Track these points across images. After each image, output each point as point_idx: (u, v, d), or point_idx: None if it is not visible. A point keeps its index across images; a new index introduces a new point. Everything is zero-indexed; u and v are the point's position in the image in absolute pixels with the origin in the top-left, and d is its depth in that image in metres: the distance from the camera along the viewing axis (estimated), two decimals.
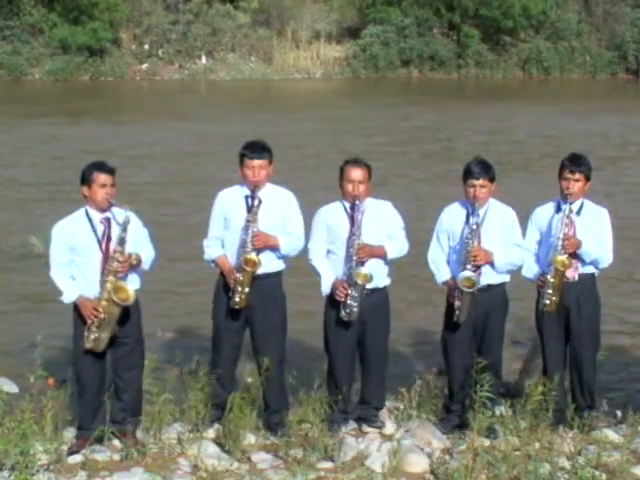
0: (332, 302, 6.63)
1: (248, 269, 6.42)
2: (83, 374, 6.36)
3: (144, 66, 38.40)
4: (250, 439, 6.48)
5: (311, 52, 40.32)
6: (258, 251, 6.45)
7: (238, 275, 6.45)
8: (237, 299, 6.47)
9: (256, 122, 24.07)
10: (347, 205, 6.62)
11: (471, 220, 6.50)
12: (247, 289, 6.44)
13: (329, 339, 6.75)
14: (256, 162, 6.48)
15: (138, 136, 22.87)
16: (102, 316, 6.16)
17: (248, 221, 6.44)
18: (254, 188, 6.47)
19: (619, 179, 17.79)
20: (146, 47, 38.86)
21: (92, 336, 6.19)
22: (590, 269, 6.74)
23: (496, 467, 6.04)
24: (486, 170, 6.57)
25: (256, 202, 6.43)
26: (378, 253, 6.60)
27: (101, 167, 6.30)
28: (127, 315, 6.28)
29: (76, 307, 6.28)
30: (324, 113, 27.96)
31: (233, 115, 26.50)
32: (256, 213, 6.42)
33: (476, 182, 6.52)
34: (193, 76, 38.26)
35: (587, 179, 6.72)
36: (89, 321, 6.18)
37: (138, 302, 6.37)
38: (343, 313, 6.55)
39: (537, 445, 6.44)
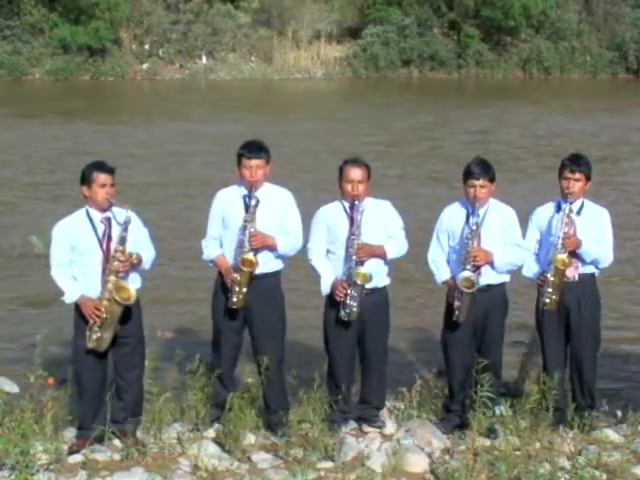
0: (332, 302, 6.62)
1: (245, 269, 6.41)
2: (83, 374, 6.35)
3: (145, 66, 38.38)
4: (250, 439, 6.47)
5: (311, 52, 40.28)
6: (256, 251, 6.45)
7: (235, 275, 6.44)
8: (235, 299, 6.46)
9: (256, 122, 24.06)
10: (346, 205, 6.61)
11: (471, 220, 6.50)
12: (245, 289, 6.43)
13: (329, 339, 6.74)
14: (253, 162, 6.48)
15: (138, 136, 22.86)
16: (104, 316, 6.16)
17: (246, 221, 6.43)
18: (251, 188, 6.47)
19: (618, 179, 17.78)
20: (146, 47, 38.85)
21: (94, 336, 6.19)
22: (590, 269, 6.73)
23: (496, 467, 6.03)
24: (486, 170, 6.58)
25: (253, 202, 6.43)
26: (377, 253, 6.59)
27: (101, 167, 6.31)
28: (129, 315, 6.28)
29: (77, 307, 6.27)
30: (324, 113, 27.94)
31: (233, 115, 26.48)
32: (254, 213, 6.42)
33: (476, 182, 6.52)
34: (194, 76, 38.22)
35: (587, 179, 6.71)
36: (91, 321, 6.18)
37: (139, 302, 6.37)
38: (343, 313, 6.54)
39: (537, 445, 6.43)
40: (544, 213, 6.83)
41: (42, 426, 6.24)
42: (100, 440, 6.35)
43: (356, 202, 6.53)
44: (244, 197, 6.51)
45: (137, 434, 6.43)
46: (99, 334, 6.19)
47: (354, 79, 38.91)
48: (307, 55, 40.16)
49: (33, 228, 12.33)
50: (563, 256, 6.51)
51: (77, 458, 6.20)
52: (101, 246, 6.21)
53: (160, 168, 18.75)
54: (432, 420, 6.83)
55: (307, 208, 6.90)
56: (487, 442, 6.48)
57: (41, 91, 33.85)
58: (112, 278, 6.14)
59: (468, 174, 6.57)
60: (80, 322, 6.26)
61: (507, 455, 6.07)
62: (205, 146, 21.33)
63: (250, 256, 6.41)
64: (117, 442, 6.37)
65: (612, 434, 6.66)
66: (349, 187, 6.57)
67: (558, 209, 6.70)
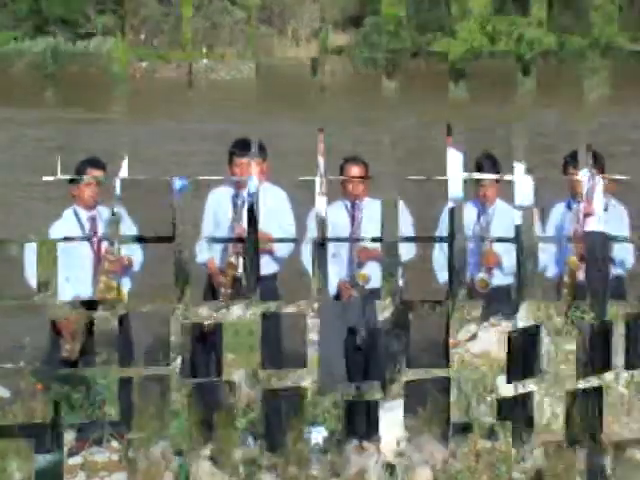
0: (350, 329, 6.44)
1: (229, 271, 6.41)
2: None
3: (144, 64, 38.40)
4: (245, 455, 6.26)
5: (311, 50, 40.34)
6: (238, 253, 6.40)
7: (222, 278, 6.46)
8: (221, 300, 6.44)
9: (255, 121, 23.95)
10: (347, 204, 6.58)
11: (482, 219, 6.46)
12: (230, 291, 6.40)
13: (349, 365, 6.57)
14: (244, 160, 6.38)
15: (135, 134, 22.76)
16: (74, 327, 6.12)
17: (234, 220, 6.40)
18: (240, 187, 6.36)
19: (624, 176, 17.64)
20: (142, 37, 38.80)
21: (67, 346, 6.20)
22: (618, 271, 6.58)
23: (497, 467, 5.93)
24: (493, 168, 6.51)
25: (239, 201, 6.36)
26: (376, 254, 6.42)
27: (93, 163, 6.44)
28: (120, 323, 6.14)
29: (52, 321, 6.25)
30: (324, 112, 27.84)
31: (232, 114, 26.45)
32: (241, 213, 6.34)
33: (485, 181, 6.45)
34: (194, 75, 38.25)
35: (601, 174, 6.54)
36: (64, 332, 6.16)
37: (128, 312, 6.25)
38: (357, 339, 6.41)
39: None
40: (558, 212, 6.74)
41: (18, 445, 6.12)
42: (99, 442, 6.24)
43: (357, 201, 6.48)
44: (233, 197, 6.47)
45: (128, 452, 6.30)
46: (70, 345, 6.18)
47: (354, 75, 38.84)
48: (307, 54, 40.20)
49: (30, 228, 12.20)
50: (574, 257, 6.41)
51: (77, 460, 6.17)
52: (92, 246, 6.27)
53: (155, 167, 18.59)
54: (436, 432, 6.64)
55: (306, 208, 6.75)
56: (488, 444, 6.25)
57: (29, 85, 33.61)
58: (103, 278, 6.18)
59: (476, 171, 6.44)
60: (53, 334, 6.24)
61: (508, 456, 5.96)
62: (203, 145, 21.30)
63: (232, 259, 6.38)
64: (115, 443, 6.23)
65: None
66: (349, 186, 6.52)
67: (569, 207, 6.60)
